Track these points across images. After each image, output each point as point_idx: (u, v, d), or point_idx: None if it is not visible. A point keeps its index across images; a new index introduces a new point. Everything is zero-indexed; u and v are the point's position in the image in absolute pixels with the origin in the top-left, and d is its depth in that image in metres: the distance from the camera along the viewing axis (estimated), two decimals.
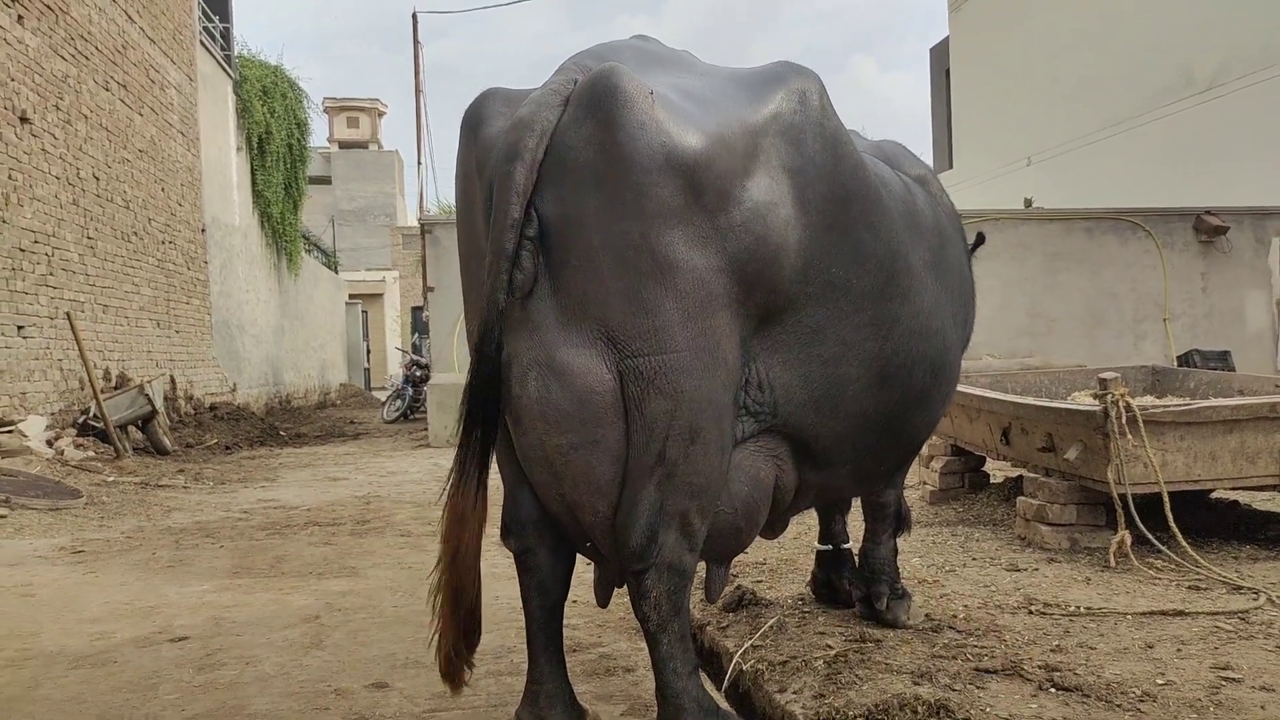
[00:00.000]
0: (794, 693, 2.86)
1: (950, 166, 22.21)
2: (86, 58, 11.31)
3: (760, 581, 4.33)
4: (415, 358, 18.16)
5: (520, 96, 2.39)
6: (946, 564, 4.46)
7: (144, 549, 5.52)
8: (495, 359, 2.22)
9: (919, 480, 6.49)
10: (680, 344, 2.22)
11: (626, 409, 2.24)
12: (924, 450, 6.37)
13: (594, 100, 2.19)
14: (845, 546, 3.84)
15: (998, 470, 6.21)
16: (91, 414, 10.04)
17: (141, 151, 12.88)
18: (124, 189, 12.25)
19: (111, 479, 8.35)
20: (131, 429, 10.81)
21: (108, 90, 11.90)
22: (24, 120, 9.67)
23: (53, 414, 9.90)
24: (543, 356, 2.22)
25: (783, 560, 4.66)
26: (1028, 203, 15.43)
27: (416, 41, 16.12)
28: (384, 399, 18.94)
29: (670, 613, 2.31)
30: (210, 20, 16.70)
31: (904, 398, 2.79)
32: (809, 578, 3.99)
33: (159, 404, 11.11)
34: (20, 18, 9.73)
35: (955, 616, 3.61)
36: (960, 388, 5.63)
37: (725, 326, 2.29)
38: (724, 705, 2.54)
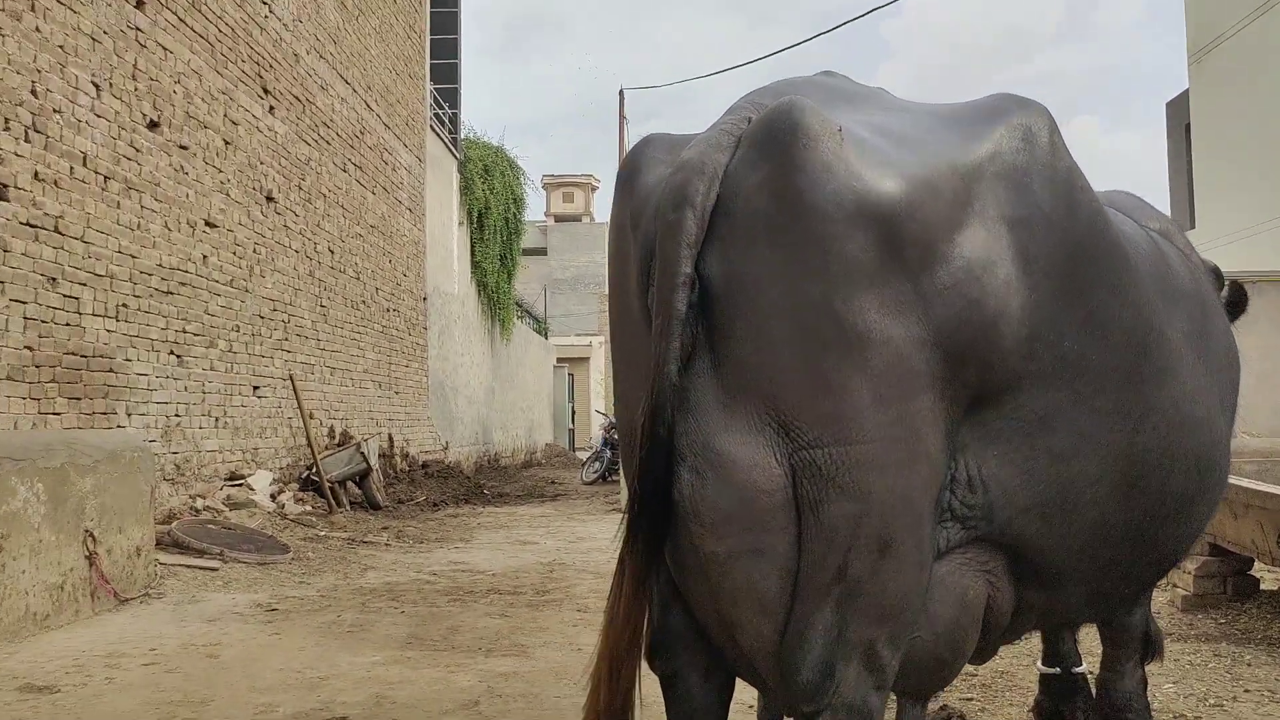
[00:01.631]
0: None
1: (1193, 225, 20.15)
2: (328, 143, 12.32)
3: (970, 700, 3.71)
4: (613, 419, 18.32)
5: (684, 141, 2.09)
6: (1210, 695, 3.65)
7: (332, 609, 5.58)
8: (668, 442, 1.86)
9: (1167, 581, 5.54)
10: (870, 433, 1.81)
11: (800, 512, 1.85)
12: None
13: (770, 139, 1.86)
14: (1078, 670, 3.20)
15: (1269, 575, 5.17)
16: (314, 470, 10.64)
17: (373, 227, 13.85)
18: (355, 261, 13.16)
19: (323, 533, 8.72)
20: (350, 484, 11.40)
21: (345, 171, 12.90)
22: (270, 199, 10.57)
23: (281, 469, 10.59)
24: (699, 444, 1.87)
25: (999, 674, 4.00)
26: None
27: (622, 117, 16.45)
28: (584, 460, 19.19)
29: None
30: (440, 107, 17.95)
31: (1159, 505, 2.22)
32: (1032, 704, 3.35)
33: (373, 461, 11.66)
34: (271, 109, 10.72)
35: None
36: None
37: (928, 411, 1.86)
38: None
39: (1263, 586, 5.17)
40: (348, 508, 10.75)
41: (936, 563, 2.01)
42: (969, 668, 4.13)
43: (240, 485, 9.42)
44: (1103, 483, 2.09)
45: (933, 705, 3.55)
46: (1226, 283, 3.26)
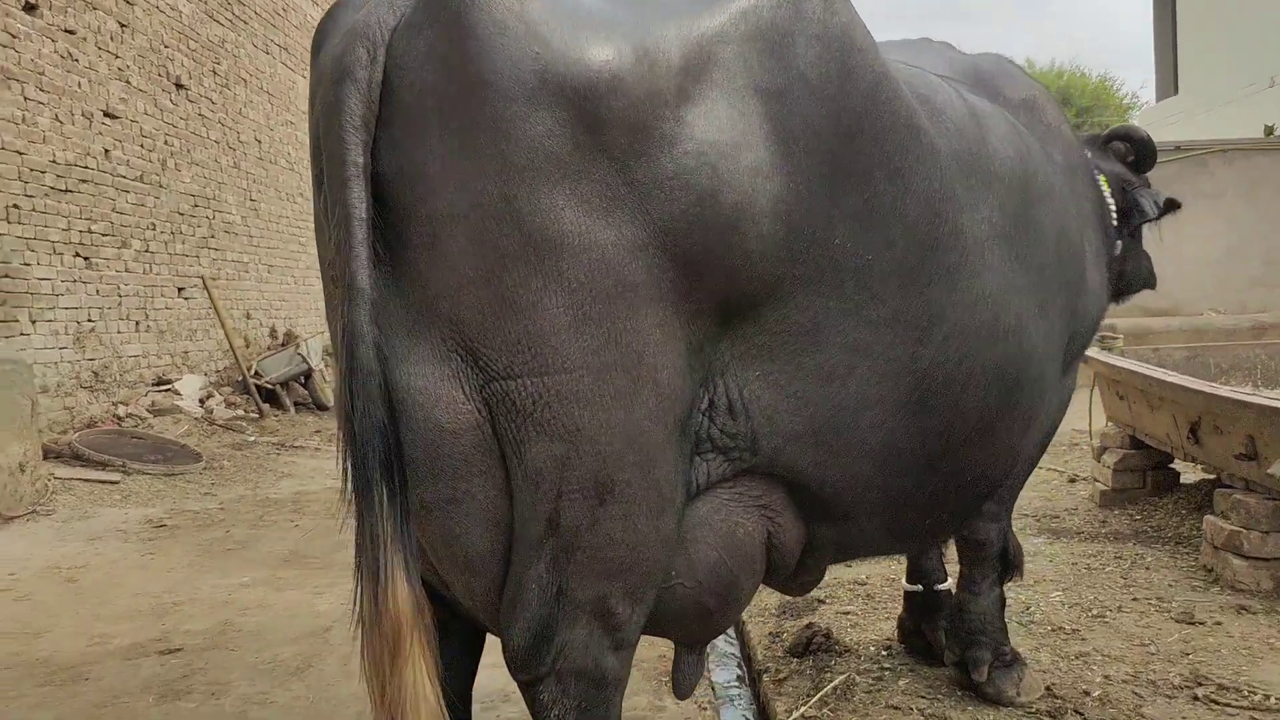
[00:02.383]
0: None
1: (1175, 92, 19.49)
2: (245, 22, 11.52)
3: (847, 613, 3.53)
4: None
5: None
6: (1096, 604, 3.47)
7: (224, 524, 5.38)
8: (381, 370, 1.49)
9: (1090, 475, 5.37)
10: (572, 359, 1.50)
11: (503, 453, 1.55)
12: (1095, 440, 5.24)
13: None
14: (941, 587, 2.99)
15: (1192, 471, 4.99)
16: (253, 372, 10.35)
17: (305, 114, 13.13)
18: (288, 150, 12.52)
19: (251, 439, 8.48)
20: (296, 385, 11.12)
21: (267, 53, 12.12)
22: (179, 86, 9.91)
23: (218, 372, 10.28)
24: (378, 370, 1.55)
25: (889, 581, 3.81)
26: (1269, 130, 13.04)
27: None
28: None
29: None
30: None
31: (953, 426, 1.94)
32: (897, 620, 3.16)
33: (315, 361, 11.33)
34: None
35: (1087, 695, 2.70)
36: (1136, 366, 4.50)
37: (653, 329, 1.54)
38: None
39: (1184, 481, 4.98)
40: (291, 410, 10.50)
41: (696, 500, 1.75)
42: (858, 573, 3.96)
43: (166, 390, 9.14)
44: (884, 404, 1.81)
45: (799, 624, 3.37)
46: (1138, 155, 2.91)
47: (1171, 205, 2.82)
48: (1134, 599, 3.50)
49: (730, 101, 1.56)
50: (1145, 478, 4.95)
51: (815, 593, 3.79)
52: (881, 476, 1.89)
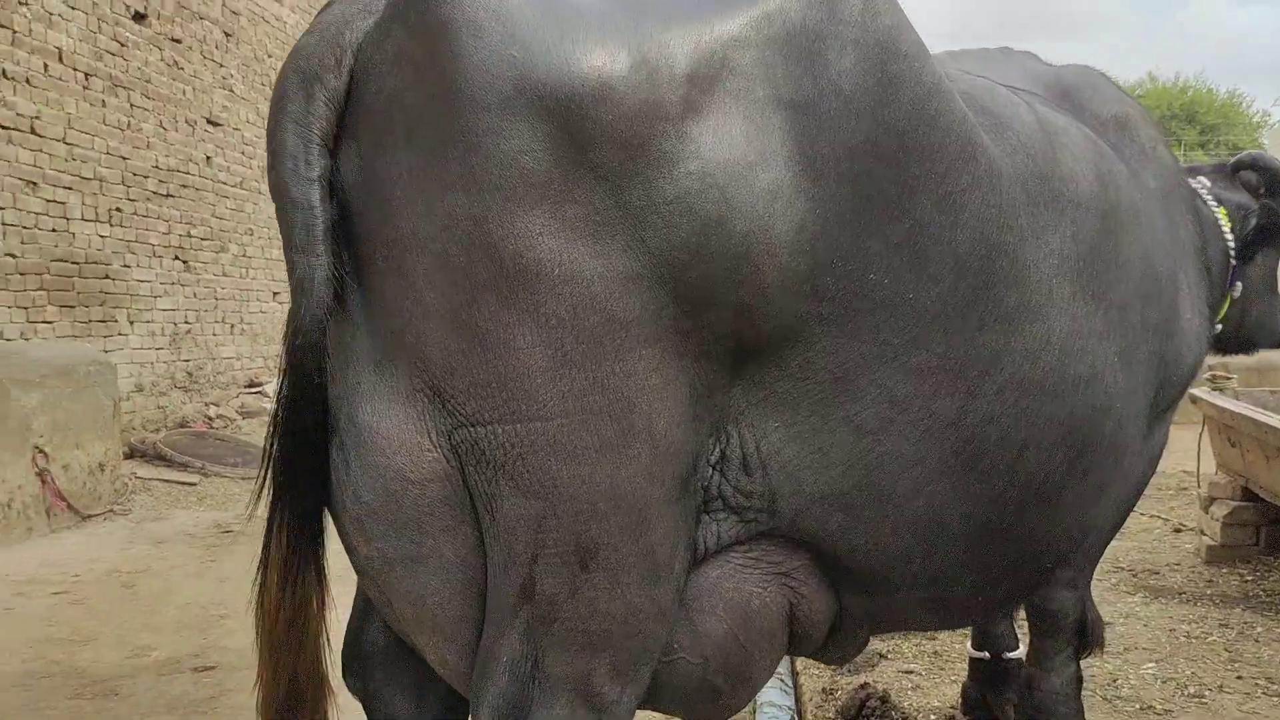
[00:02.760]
0: None
1: None
2: None
3: (910, 672, 3.25)
4: None
5: None
6: (1194, 680, 3.11)
7: None
8: (320, 390, 1.39)
9: (1197, 526, 4.90)
10: (549, 406, 1.32)
11: (474, 508, 1.39)
12: (1203, 489, 4.78)
13: None
14: (1010, 656, 2.70)
15: None
16: None
17: None
18: None
19: None
20: None
21: None
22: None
23: None
24: (346, 413, 1.41)
25: (960, 638, 3.51)
26: None
27: None
28: None
29: None
30: None
31: (1011, 493, 1.68)
32: (961, 689, 2.87)
33: None
34: None
35: None
36: (1252, 411, 4.07)
37: (648, 374, 1.35)
38: None
39: None
40: None
41: (705, 565, 1.55)
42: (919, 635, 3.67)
43: (256, 393, 9.37)
44: (925, 465, 1.57)
45: (854, 686, 3.11)
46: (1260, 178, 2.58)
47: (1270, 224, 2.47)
48: (1238, 677, 3.11)
49: (747, 115, 1.36)
50: (1259, 534, 4.48)
51: (878, 644, 3.53)
52: (922, 546, 1.65)
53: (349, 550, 1.49)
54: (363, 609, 1.71)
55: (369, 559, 1.44)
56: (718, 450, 1.50)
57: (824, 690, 3.21)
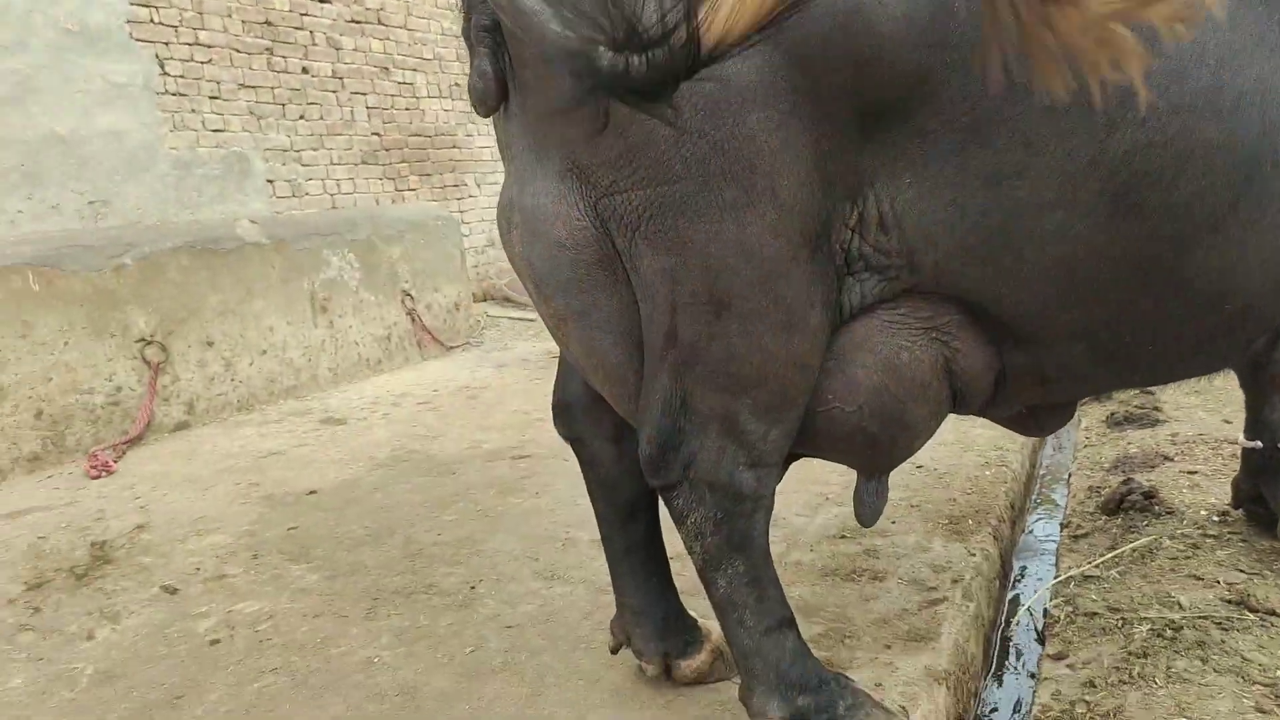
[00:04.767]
0: (1054, 678, 1.97)
1: None
2: None
3: (1193, 472, 3.06)
4: None
5: None
6: None
7: None
8: None
9: None
10: (675, 170, 1.47)
11: (625, 267, 1.60)
12: None
13: None
14: None
15: None
16: None
17: None
18: None
19: None
20: None
21: None
22: None
23: None
24: (516, 194, 1.68)
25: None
26: None
27: None
28: None
29: (724, 547, 1.68)
30: None
31: (1168, 228, 1.55)
32: (1231, 483, 2.66)
33: None
34: None
35: None
36: None
37: (768, 136, 1.45)
38: (836, 673, 1.81)
39: None
40: None
41: (854, 322, 1.66)
42: (1228, 430, 3.37)
43: None
44: (1067, 207, 1.52)
45: (1117, 480, 2.98)
46: None
47: None
48: None
49: None
50: None
51: (1166, 448, 3.32)
52: (1076, 294, 1.60)
53: (539, 313, 1.79)
54: (564, 367, 2.02)
55: (549, 316, 1.72)
56: (855, 213, 1.56)
57: (1090, 488, 3.12)
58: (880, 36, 1.41)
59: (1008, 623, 2.55)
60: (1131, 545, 2.52)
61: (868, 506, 1.88)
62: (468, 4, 1.58)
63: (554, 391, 2.04)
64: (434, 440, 4.27)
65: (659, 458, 1.64)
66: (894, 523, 2.87)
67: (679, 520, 1.69)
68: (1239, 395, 2.43)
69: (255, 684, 2.19)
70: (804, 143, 1.46)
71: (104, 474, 4.00)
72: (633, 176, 1.50)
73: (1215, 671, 1.88)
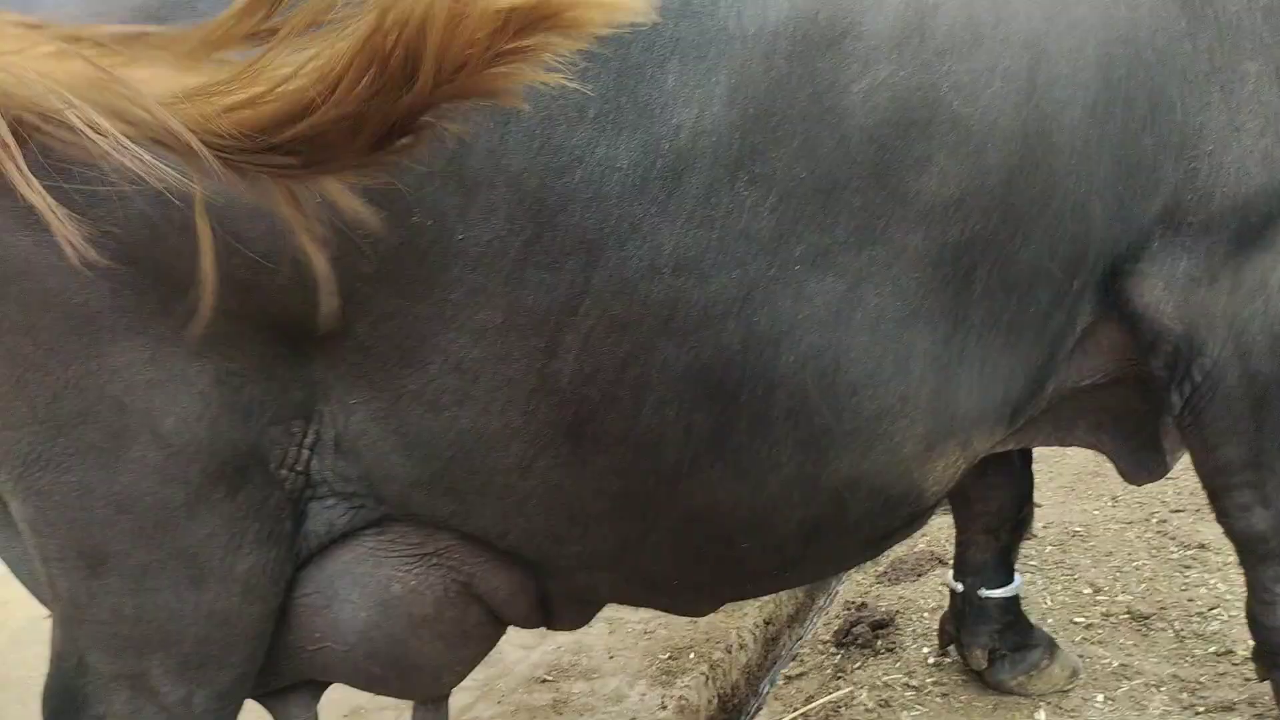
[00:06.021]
0: None
1: None
2: None
3: (942, 590, 2.84)
4: None
5: None
6: None
7: None
8: None
9: None
10: (20, 412, 1.24)
11: None
12: None
13: None
14: (988, 595, 2.23)
15: None
16: None
17: None
18: None
19: None
20: None
21: None
22: None
23: None
24: None
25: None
26: None
27: None
28: None
29: None
30: None
31: (645, 462, 1.35)
32: (939, 622, 2.46)
33: None
34: None
35: None
36: None
37: (138, 367, 1.20)
38: None
39: None
40: None
41: (335, 549, 1.43)
42: None
43: None
44: (523, 438, 1.31)
45: (846, 608, 2.77)
46: None
47: None
48: None
49: None
50: None
51: (944, 548, 3.12)
52: (569, 527, 1.38)
53: None
54: None
55: None
56: (312, 432, 1.33)
57: (845, 604, 2.91)
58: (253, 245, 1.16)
59: None
60: (824, 700, 2.30)
61: None
62: None
63: None
64: None
65: (58, 716, 1.38)
66: (612, 657, 2.63)
67: None
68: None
69: None
70: (193, 370, 1.22)
71: None
72: None
73: None
